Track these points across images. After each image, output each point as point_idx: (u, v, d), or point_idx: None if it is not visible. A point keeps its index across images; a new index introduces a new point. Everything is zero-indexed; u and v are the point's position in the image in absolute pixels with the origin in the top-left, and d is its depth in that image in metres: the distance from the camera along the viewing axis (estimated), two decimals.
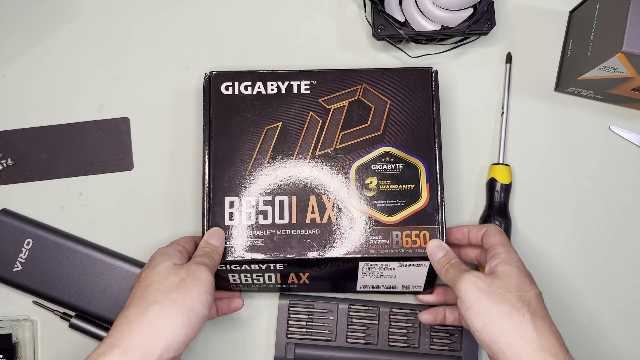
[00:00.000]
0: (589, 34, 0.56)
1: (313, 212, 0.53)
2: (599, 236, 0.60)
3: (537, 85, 0.61)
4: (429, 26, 0.58)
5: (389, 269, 0.54)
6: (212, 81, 0.56)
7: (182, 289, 0.45)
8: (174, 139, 0.60)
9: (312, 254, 0.53)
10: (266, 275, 0.54)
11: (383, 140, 0.55)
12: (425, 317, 0.55)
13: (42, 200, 0.59)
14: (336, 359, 0.56)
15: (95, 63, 0.61)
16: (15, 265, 0.57)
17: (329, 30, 0.62)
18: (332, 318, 0.57)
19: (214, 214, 0.53)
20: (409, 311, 0.57)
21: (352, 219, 0.53)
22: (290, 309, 0.57)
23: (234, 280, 0.55)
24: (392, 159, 0.54)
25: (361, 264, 0.53)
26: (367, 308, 0.57)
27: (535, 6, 0.62)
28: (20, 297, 0.58)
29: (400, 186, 0.54)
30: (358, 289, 0.56)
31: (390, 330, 0.57)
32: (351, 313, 0.57)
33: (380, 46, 0.61)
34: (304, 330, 0.57)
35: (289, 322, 0.57)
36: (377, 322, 0.57)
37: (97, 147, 0.60)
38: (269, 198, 0.53)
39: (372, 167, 0.54)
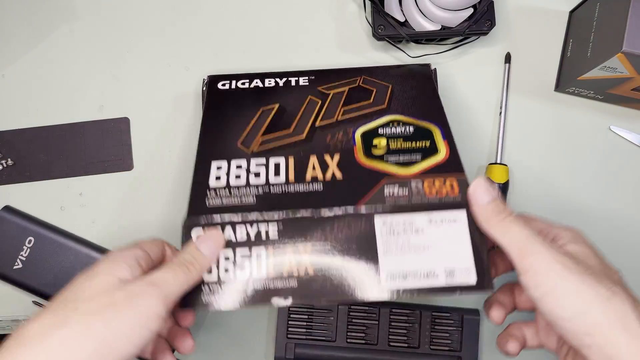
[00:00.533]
0: (589, 34, 0.56)
1: (314, 169, 0.46)
2: (598, 236, 0.59)
3: (537, 85, 0.61)
4: (429, 26, 0.58)
5: (416, 231, 0.41)
6: (209, 83, 0.56)
7: (106, 314, 0.34)
8: (174, 139, 0.60)
9: (311, 210, 0.42)
10: (255, 253, 0.41)
11: (388, 112, 0.50)
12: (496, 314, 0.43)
13: (42, 200, 0.59)
14: (336, 358, 0.56)
15: (95, 63, 0.61)
16: (16, 263, 0.56)
17: (329, 30, 0.62)
18: (332, 318, 0.57)
19: (196, 175, 0.46)
20: (409, 311, 0.57)
21: (361, 174, 0.45)
22: (290, 308, 0.57)
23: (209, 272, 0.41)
24: (401, 124, 0.49)
25: (378, 223, 0.41)
26: (367, 308, 0.57)
27: (535, 6, 0.62)
28: (20, 297, 0.58)
29: (414, 143, 0.47)
30: (383, 281, 0.41)
31: (390, 330, 0.57)
32: (351, 313, 0.57)
33: (380, 46, 0.61)
34: (304, 330, 0.57)
35: (289, 322, 0.57)
36: (377, 322, 0.57)
37: (97, 147, 0.60)
38: (262, 160, 0.47)
39: (379, 131, 0.49)
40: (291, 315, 0.57)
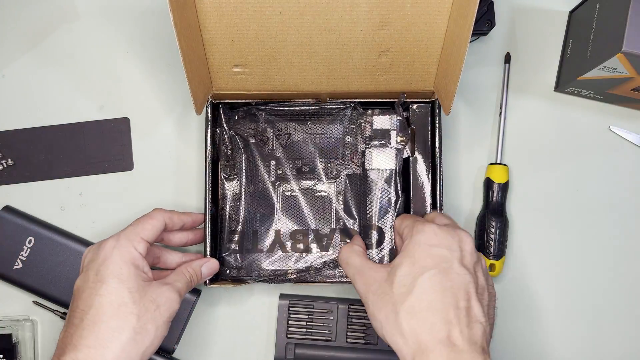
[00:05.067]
0: (588, 34, 0.56)
1: None
2: (598, 236, 0.60)
3: (537, 85, 0.61)
4: None
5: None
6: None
7: (153, 321, 0.45)
8: (174, 139, 0.60)
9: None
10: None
11: None
12: None
13: (42, 200, 0.59)
14: (336, 359, 0.56)
15: (95, 63, 0.61)
16: (16, 263, 0.57)
17: None
18: (332, 318, 0.57)
19: None
20: None
21: None
22: (290, 309, 0.57)
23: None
24: None
25: None
26: None
27: (535, 6, 0.62)
28: (21, 297, 0.58)
29: None
30: None
31: None
32: (351, 313, 0.57)
33: None
34: (304, 330, 0.57)
35: (289, 322, 0.57)
36: None
37: (97, 147, 0.60)
38: None
39: None
40: (291, 316, 0.57)
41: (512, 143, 0.60)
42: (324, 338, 0.57)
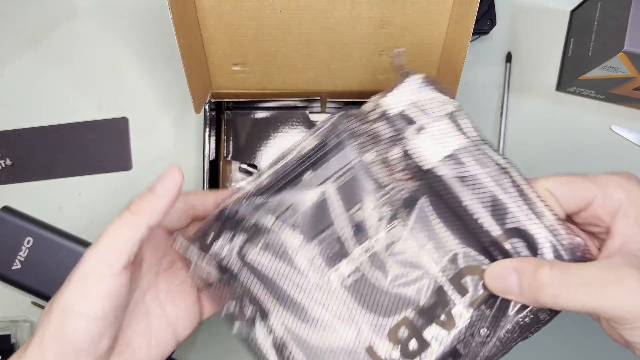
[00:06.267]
0: (590, 34, 0.56)
1: None
2: None
3: (538, 85, 0.61)
4: None
5: None
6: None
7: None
8: (173, 138, 0.60)
9: None
10: None
11: None
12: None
13: (41, 200, 0.59)
14: None
15: (93, 62, 0.61)
16: (15, 264, 0.56)
17: None
18: None
19: None
20: None
21: None
22: None
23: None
24: None
25: None
26: None
27: (536, 5, 0.62)
28: (19, 298, 0.58)
29: None
30: None
31: None
32: None
33: None
34: None
35: None
36: None
37: (96, 147, 0.60)
38: None
39: None
40: None
41: (513, 143, 0.60)
42: None
